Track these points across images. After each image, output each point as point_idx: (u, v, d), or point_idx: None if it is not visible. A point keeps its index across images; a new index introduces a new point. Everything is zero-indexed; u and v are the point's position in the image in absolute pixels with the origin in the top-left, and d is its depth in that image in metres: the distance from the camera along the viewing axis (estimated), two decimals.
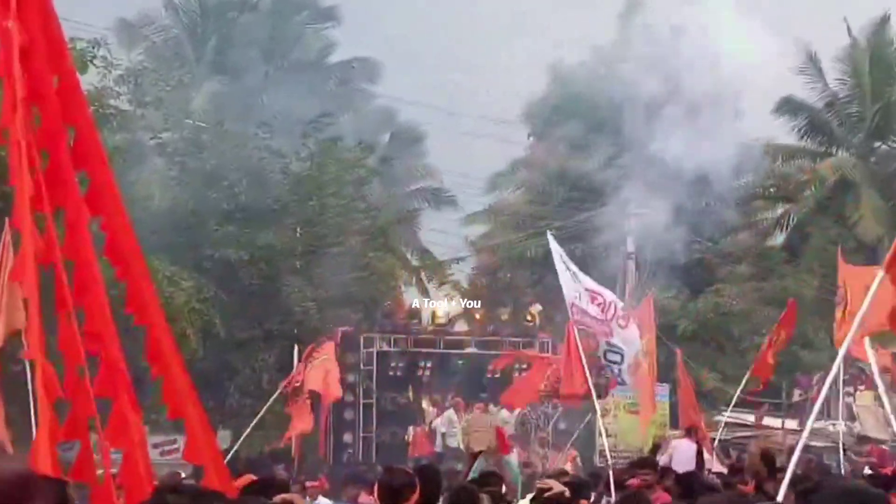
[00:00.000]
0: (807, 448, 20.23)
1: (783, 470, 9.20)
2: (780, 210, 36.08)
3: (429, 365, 25.08)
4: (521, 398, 19.44)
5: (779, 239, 35.64)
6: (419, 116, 37.95)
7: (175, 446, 18.57)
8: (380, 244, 26.55)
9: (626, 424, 23.07)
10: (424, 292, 32.03)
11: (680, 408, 19.24)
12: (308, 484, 13.86)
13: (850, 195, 32.64)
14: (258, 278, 24.50)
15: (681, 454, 15.17)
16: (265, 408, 17.23)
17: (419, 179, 36.23)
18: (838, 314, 11.26)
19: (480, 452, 9.75)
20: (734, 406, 20.75)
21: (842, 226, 31.15)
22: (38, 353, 4.33)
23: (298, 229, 25.76)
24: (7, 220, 4.55)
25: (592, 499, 9.73)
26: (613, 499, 9.93)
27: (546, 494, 7.31)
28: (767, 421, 23.85)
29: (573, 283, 16.62)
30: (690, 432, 16.57)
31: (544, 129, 36.63)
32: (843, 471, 16.46)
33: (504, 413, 23.45)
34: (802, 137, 35.21)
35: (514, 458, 13.70)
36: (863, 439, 20.59)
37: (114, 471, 4.96)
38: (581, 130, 35.48)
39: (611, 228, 33.69)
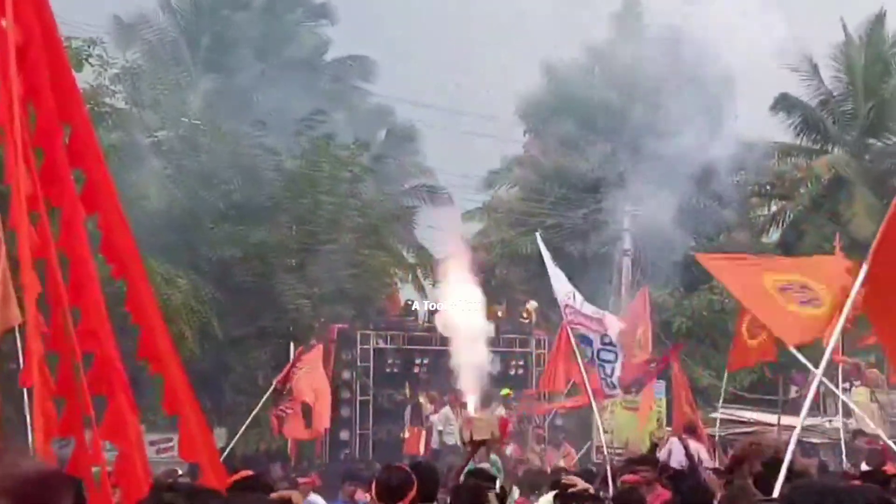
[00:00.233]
0: (807, 445, 20.31)
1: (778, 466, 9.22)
2: (774, 207, 36.13)
3: (425, 362, 25.11)
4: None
5: (773, 236, 35.67)
6: (414, 114, 37.98)
7: (171, 444, 18.57)
8: (374, 241, 26.54)
9: (622, 421, 23.09)
10: (420, 289, 32.04)
11: (675, 405, 19.25)
12: (300, 480, 13.87)
13: (844, 193, 32.69)
14: (252, 276, 24.50)
15: (678, 452, 15.18)
16: (259, 405, 17.20)
17: (414, 177, 36.24)
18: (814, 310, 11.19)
19: (482, 442, 9.70)
20: (730, 403, 20.79)
21: (836, 223, 31.16)
22: (34, 352, 4.34)
23: (293, 227, 25.76)
24: (0, 217, 4.53)
25: None
26: (611, 495, 9.93)
27: (570, 491, 7.30)
28: (763, 417, 23.87)
29: (566, 283, 16.71)
30: (689, 430, 16.58)
31: (540, 127, 36.65)
32: (844, 467, 16.50)
33: (501, 409, 23.51)
34: (798, 135, 35.24)
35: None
36: (858, 433, 20.59)
37: (108, 469, 4.97)
38: (576, 128, 35.51)
39: (606, 226, 33.73)
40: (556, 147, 35.44)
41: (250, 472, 7.09)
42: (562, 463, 19.60)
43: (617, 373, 16.11)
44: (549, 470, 15.95)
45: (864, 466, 13.76)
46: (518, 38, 52.75)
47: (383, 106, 38.54)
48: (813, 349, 9.62)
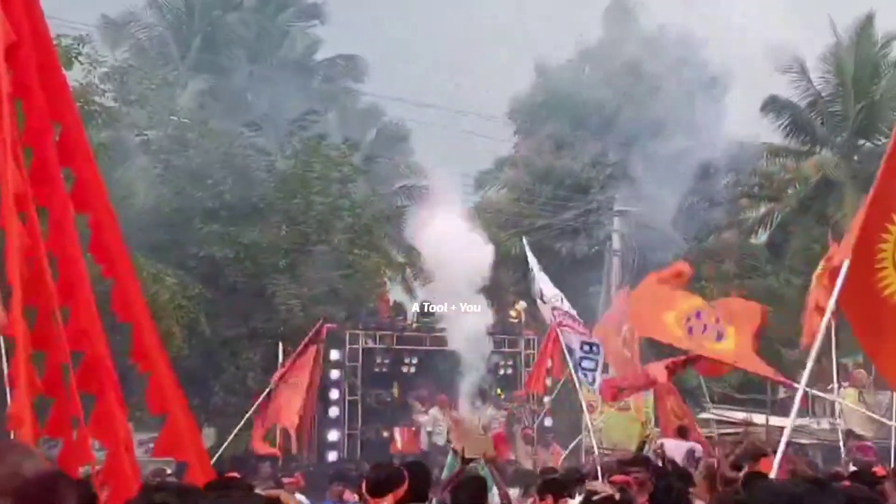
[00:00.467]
0: (796, 446, 20.34)
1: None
2: (763, 209, 36.21)
3: (414, 362, 25.09)
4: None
5: (762, 237, 35.76)
6: (406, 113, 38.01)
7: None
8: (366, 242, 26.51)
9: (612, 421, 23.11)
10: (409, 290, 32.01)
11: (660, 413, 19.24)
12: (285, 481, 13.85)
13: (833, 194, 32.76)
14: (243, 276, 24.47)
15: (670, 453, 15.21)
16: (254, 407, 17.15)
17: (405, 177, 36.22)
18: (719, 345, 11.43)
19: (472, 460, 9.70)
20: (719, 403, 20.82)
21: (824, 225, 31.24)
22: (21, 350, 4.33)
23: (283, 227, 25.72)
24: None
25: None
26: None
27: (594, 498, 7.26)
28: (752, 418, 23.92)
29: (552, 286, 16.97)
30: (681, 431, 16.60)
31: (530, 128, 36.70)
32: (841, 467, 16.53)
33: (491, 410, 23.53)
34: (787, 136, 35.31)
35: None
36: (849, 434, 20.66)
37: (97, 468, 4.96)
38: (567, 129, 35.57)
39: (596, 226, 33.82)
40: (547, 147, 35.49)
41: (233, 475, 7.09)
42: (550, 463, 19.61)
43: (598, 380, 16.29)
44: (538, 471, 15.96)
45: (850, 467, 13.78)
46: (511, 39, 52.79)
47: (374, 106, 38.57)
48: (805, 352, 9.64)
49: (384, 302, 26.87)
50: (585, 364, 16.30)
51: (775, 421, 23.21)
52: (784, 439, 6.86)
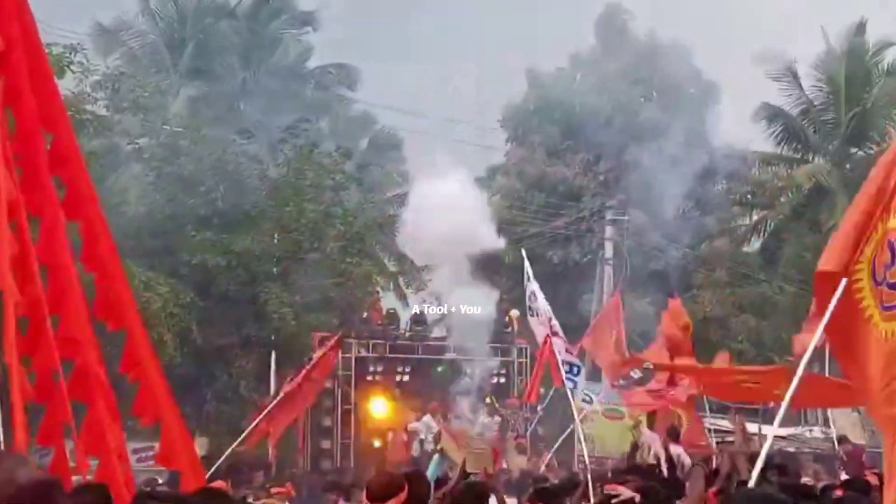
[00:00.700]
0: (786, 454, 20.35)
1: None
2: (756, 216, 36.26)
3: (407, 370, 25.08)
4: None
5: (755, 245, 35.81)
6: (398, 122, 38.01)
7: (152, 452, 18.47)
8: (357, 250, 26.48)
9: (605, 430, 23.08)
10: (402, 298, 32.00)
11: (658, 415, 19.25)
12: (274, 490, 13.78)
13: (826, 202, 32.82)
14: (235, 284, 24.42)
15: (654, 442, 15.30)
16: (263, 414, 16.93)
17: (397, 185, 36.21)
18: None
19: (472, 474, 9.72)
20: (714, 412, 20.81)
21: (817, 232, 31.31)
22: (13, 358, 4.31)
23: (276, 235, 25.69)
24: None
25: None
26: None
27: (614, 501, 7.22)
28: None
29: (544, 300, 17.26)
30: (671, 433, 16.59)
31: (522, 135, 36.70)
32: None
33: (484, 419, 23.48)
34: (779, 144, 35.38)
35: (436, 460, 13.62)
36: (843, 440, 20.69)
37: (90, 478, 4.93)
38: (559, 136, 35.59)
39: (588, 234, 33.82)
40: (539, 155, 35.50)
41: (219, 484, 7.07)
42: (542, 469, 19.61)
43: (581, 386, 16.70)
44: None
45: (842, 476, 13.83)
46: (503, 47, 52.84)
47: (367, 114, 38.58)
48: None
49: (377, 311, 26.84)
50: (569, 377, 16.57)
51: (768, 430, 23.20)
52: (765, 450, 6.83)
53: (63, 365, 4.78)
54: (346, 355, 24.61)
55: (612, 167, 34.38)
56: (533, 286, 18.51)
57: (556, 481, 12.58)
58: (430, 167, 22.82)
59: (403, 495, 5.91)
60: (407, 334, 25.74)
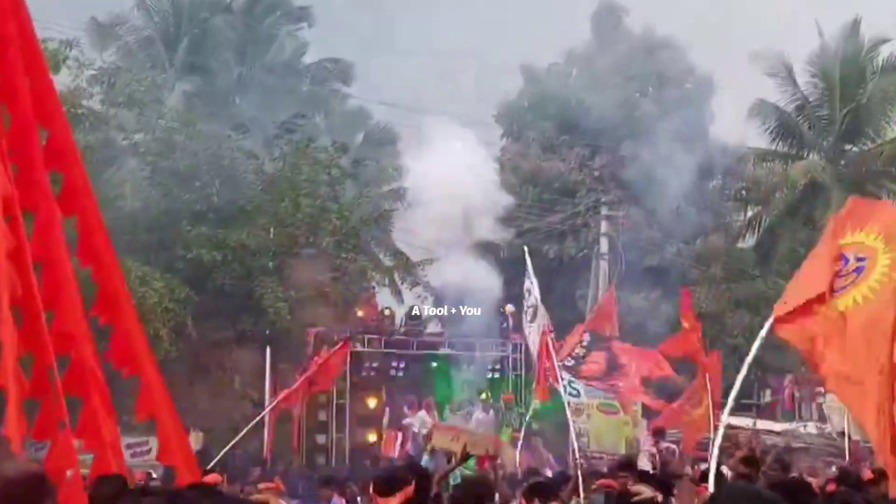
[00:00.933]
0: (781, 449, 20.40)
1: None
2: (750, 212, 36.29)
3: (402, 366, 25.11)
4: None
5: (749, 241, 35.84)
6: (393, 117, 37.99)
7: (147, 448, 18.49)
8: (352, 245, 26.49)
9: (599, 425, 23.15)
10: (397, 293, 31.98)
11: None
12: (263, 486, 13.78)
13: (820, 198, 32.85)
14: (231, 279, 24.43)
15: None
16: (264, 411, 16.88)
17: (392, 180, 36.21)
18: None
19: (469, 456, 9.70)
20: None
21: (811, 228, 31.34)
22: (9, 351, 4.32)
23: (271, 230, 25.69)
24: None
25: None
26: (583, 499, 9.94)
27: (635, 499, 7.22)
28: (737, 421, 23.99)
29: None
30: (657, 433, 16.67)
31: (517, 131, 36.71)
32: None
33: (479, 414, 23.51)
34: (774, 140, 35.41)
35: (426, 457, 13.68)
36: (841, 436, 20.75)
37: (85, 472, 4.95)
38: (554, 132, 35.60)
39: (584, 229, 33.83)
40: (534, 150, 35.51)
41: (212, 478, 7.09)
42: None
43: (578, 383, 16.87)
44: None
45: (832, 469, 13.88)
46: (498, 42, 52.89)
47: (362, 109, 38.58)
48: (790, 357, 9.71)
49: (372, 306, 26.84)
50: (571, 389, 16.81)
51: (762, 425, 23.31)
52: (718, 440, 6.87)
53: (58, 360, 4.79)
54: None
55: (608, 162, 34.39)
56: (529, 283, 18.58)
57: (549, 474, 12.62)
58: (426, 161, 22.93)
59: (411, 489, 5.93)
60: (402, 329, 25.75)
